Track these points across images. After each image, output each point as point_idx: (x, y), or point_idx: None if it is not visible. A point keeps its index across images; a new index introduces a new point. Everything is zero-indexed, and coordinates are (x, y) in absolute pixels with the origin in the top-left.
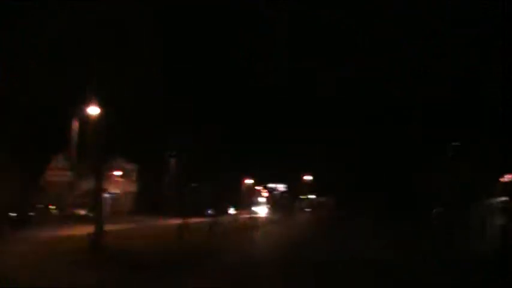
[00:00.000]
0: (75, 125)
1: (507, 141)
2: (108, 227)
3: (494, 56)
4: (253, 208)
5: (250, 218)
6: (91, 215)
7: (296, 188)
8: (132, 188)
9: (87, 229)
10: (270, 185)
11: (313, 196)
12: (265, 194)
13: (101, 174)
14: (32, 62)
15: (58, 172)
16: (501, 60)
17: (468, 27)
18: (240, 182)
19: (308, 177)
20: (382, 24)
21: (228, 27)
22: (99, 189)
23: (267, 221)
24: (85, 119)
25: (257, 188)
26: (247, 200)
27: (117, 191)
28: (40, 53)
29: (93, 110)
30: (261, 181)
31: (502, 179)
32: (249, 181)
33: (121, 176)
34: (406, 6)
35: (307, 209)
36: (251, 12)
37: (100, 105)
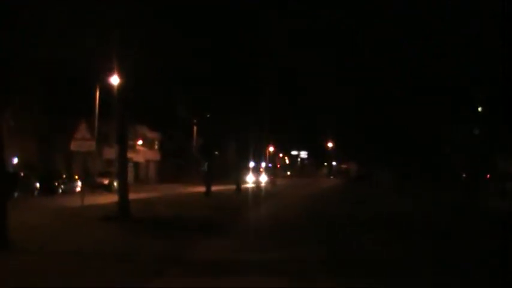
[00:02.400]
0: (98, 93)
1: None
2: (132, 196)
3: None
4: (253, 177)
5: (272, 183)
6: (115, 183)
7: (319, 154)
8: (155, 156)
9: (112, 198)
10: (293, 152)
11: (335, 163)
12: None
13: (124, 143)
14: (54, 30)
15: (82, 141)
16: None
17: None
18: (263, 149)
19: (330, 144)
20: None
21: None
22: (123, 158)
23: (288, 187)
24: (108, 88)
25: (280, 155)
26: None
27: (141, 159)
28: (64, 20)
29: (116, 79)
30: (284, 148)
31: None
32: (271, 148)
33: (144, 145)
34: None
35: (330, 176)
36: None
37: (123, 74)
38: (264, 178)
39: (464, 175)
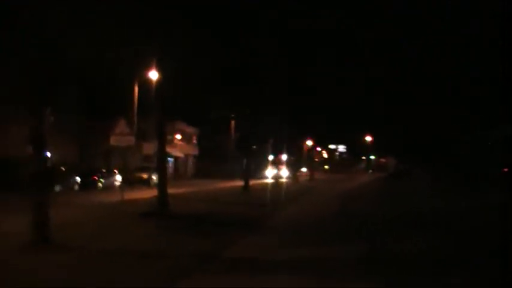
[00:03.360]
0: (136, 89)
1: None
2: (170, 191)
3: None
4: (273, 171)
5: (311, 178)
6: (154, 178)
7: (357, 148)
8: (193, 151)
9: (150, 192)
10: (331, 146)
11: (373, 157)
12: (325, 155)
13: (163, 138)
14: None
15: (121, 136)
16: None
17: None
18: (300, 143)
19: (368, 138)
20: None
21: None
22: (162, 153)
23: (326, 182)
24: (146, 84)
25: (317, 149)
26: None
27: (179, 154)
28: (101, 18)
29: (155, 75)
30: (321, 142)
31: None
32: (309, 142)
33: (182, 140)
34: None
35: (368, 170)
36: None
37: (161, 70)
38: (285, 172)
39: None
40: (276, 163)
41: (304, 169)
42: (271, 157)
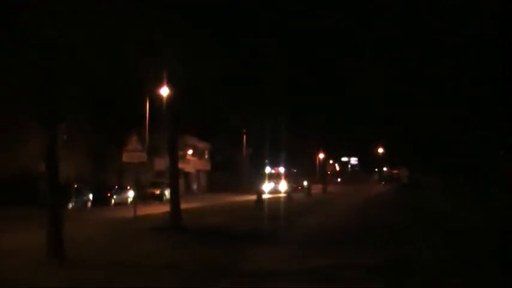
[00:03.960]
0: (148, 105)
1: None
2: (183, 206)
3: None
4: (270, 185)
5: (323, 190)
6: (166, 194)
7: (368, 160)
8: (205, 166)
9: (163, 208)
10: (343, 159)
11: (385, 169)
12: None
13: (175, 154)
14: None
15: (134, 153)
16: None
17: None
18: (312, 156)
19: (380, 150)
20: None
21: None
22: (174, 169)
23: (339, 194)
24: (157, 100)
25: (330, 161)
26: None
27: (191, 169)
28: (112, 33)
29: (165, 91)
30: (333, 155)
31: None
32: (321, 154)
33: (194, 155)
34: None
35: (381, 182)
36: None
37: (172, 86)
38: (283, 186)
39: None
40: (274, 176)
41: (305, 182)
42: (268, 169)
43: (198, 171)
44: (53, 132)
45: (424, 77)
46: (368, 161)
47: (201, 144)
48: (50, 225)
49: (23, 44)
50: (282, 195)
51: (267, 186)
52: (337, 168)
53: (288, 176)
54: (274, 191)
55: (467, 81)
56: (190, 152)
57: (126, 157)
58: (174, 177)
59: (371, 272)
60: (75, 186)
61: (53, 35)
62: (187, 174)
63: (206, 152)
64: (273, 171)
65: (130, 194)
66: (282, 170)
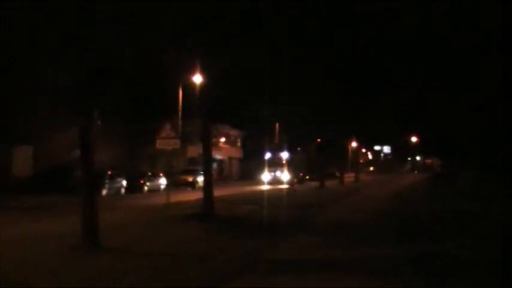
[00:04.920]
0: (181, 92)
1: None
2: (215, 193)
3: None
4: (269, 175)
5: (356, 180)
6: (199, 181)
7: (402, 149)
8: (237, 154)
9: (196, 195)
10: (376, 147)
11: (419, 158)
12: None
13: (208, 142)
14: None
15: (167, 140)
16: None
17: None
18: (345, 144)
19: (414, 139)
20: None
21: None
22: (208, 156)
23: (369, 183)
24: (190, 87)
25: (363, 150)
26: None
27: (223, 157)
28: (145, 20)
29: (198, 78)
30: (366, 143)
31: None
32: (354, 143)
33: (227, 143)
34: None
35: (413, 171)
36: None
37: (205, 73)
38: (285, 176)
39: None
40: (274, 164)
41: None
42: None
43: (231, 158)
44: (87, 120)
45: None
46: (401, 150)
47: (234, 132)
48: (84, 212)
49: (62, 38)
50: (284, 186)
51: (265, 176)
52: (370, 157)
53: (291, 163)
54: (274, 181)
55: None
56: (222, 139)
57: (159, 144)
58: (207, 164)
59: (404, 264)
60: (109, 173)
61: (91, 32)
62: (219, 162)
63: (238, 140)
64: (275, 157)
65: (163, 181)
66: (284, 156)
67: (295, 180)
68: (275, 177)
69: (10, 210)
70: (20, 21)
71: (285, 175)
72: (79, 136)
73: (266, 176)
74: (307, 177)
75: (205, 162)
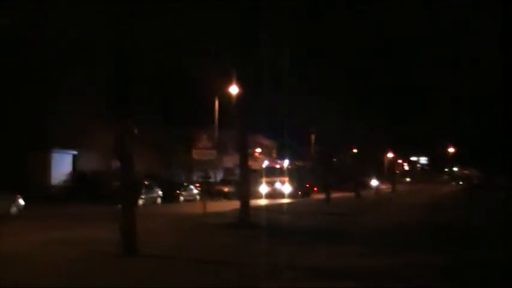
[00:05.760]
0: (217, 103)
1: None
2: (252, 203)
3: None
4: (267, 187)
5: (392, 190)
6: (235, 191)
7: (438, 160)
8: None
9: (231, 205)
10: (412, 158)
11: (456, 169)
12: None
13: (245, 152)
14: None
15: (203, 150)
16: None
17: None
18: (381, 154)
19: (451, 150)
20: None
21: None
22: (245, 166)
23: (407, 194)
24: (226, 98)
25: (399, 161)
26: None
27: (259, 167)
28: (182, 32)
29: (235, 89)
30: (402, 154)
31: None
32: (390, 154)
33: (262, 153)
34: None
35: (451, 181)
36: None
37: (240, 84)
38: (287, 188)
39: None
40: (273, 174)
41: (374, 181)
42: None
43: None
44: (125, 129)
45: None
46: (438, 161)
47: (269, 142)
48: (123, 221)
49: (102, 46)
50: (285, 200)
51: (263, 188)
52: (406, 167)
53: (294, 173)
54: (272, 194)
55: None
56: (258, 149)
57: (196, 154)
58: (244, 174)
59: (441, 273)
60: (146, 183)
61: (131, 40)
62: (255, 172)
63: (274, 150)
64: (275, 165)
65: (198, 191)
66: (285, 163)
67: (300, 193)
68: (274, 190)
69: (50, 217)
70: (61, 29)
71: (286, 187)
72: (116, 145)
73: (263, 188)
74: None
75: (242, 172)
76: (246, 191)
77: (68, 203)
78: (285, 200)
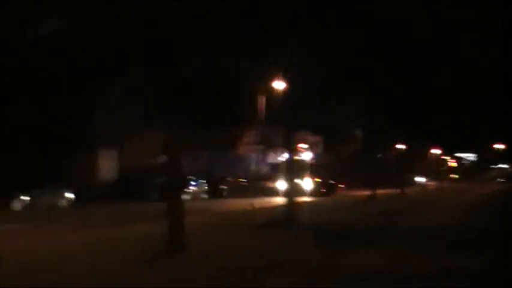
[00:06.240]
0: (262, 99)
1: None
2: (297, 199)
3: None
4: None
5: (440, 187)
6: (279, 187)
7: (486, 157)
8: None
9: (276, 201)
10: (459, 154)
11: (505, 166)
12: (453, 163)
13: (291, 148)
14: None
15: (249, 146)
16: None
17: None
18: (426, 151)
19: (499, 146)
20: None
21: None
22: (290, 162)
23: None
24: (272, 94)
25: (444, 157)
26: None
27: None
28: (228, 29)
29: (280, 85)
30: (449, 150)
31: None
32: (435, 150)
33: (307, 149)
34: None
35: (499, 179)
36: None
37: (286, 79)
38: (308, 184)
39: None
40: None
41: (420, 178)
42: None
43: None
44: (173, 127)
45: None
46: (486, 158)
47: (314, 138)
48: (171, 217)
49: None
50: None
51: (280, 184)
52: (453, 164)
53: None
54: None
55: None
56: (304, 145)
57: (242, 150)
58: (290, 170)
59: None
60: (191, 178)
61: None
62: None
63: (320, 146)
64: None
65: (244, 186)
66: (307, 157)
67: (324, 190)
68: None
69: (97, 214)
70: (111, 28)
71: (307, 183)
72: (165, 143)
73: (281, 184)
74: (342, 185)
75: (288, 169)
76: (290, 188)
77: (114, 199)
78: (306, 199)
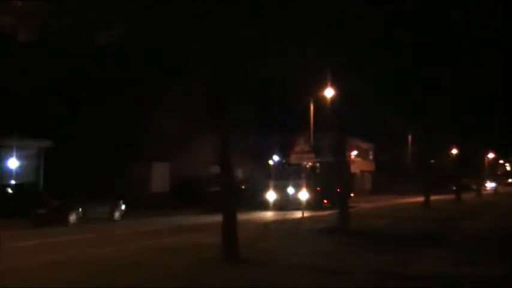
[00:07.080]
0: (312, 107)
1: None
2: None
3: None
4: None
5: (495, 193)
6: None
7: None
8: (369, 167)
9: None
10: None
11: None
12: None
13: (342, 156)
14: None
15: (301, 155)
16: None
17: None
18: (482, 155)
19: None
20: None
21: None
22: (342, 170)
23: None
24: (322, 101)
25: (501, 161)
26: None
27: (356, 170)
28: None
29: (330, 92)
30: (505, 154)
31: None
32: (491, 154)
33: (358, 156)
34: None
35: None
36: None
37: (335, 87)
38: (304, 195)
39: None
40: (285, 175)
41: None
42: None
43: (363, 172)
44: (225, 138)
45: None
46: None
47: (365, 145)
48: (225, 226)
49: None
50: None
51: (270, 195)
52: (509, 168)
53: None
54: (282, 203)
55: None
56: (354, 152)
57: (294, 158)
58: (342, 178)
59: None
60: (243, 187)
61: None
62: (352, 175)
63: (370, 153)
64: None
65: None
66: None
67: (326, 201)
68: (286, 197)
69: (152, 223)
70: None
71: (302, 193)
72: (217, 154)
73: (271, 194)
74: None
75: (340, 177)
76: (344, 195)
77: (168, 209)
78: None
